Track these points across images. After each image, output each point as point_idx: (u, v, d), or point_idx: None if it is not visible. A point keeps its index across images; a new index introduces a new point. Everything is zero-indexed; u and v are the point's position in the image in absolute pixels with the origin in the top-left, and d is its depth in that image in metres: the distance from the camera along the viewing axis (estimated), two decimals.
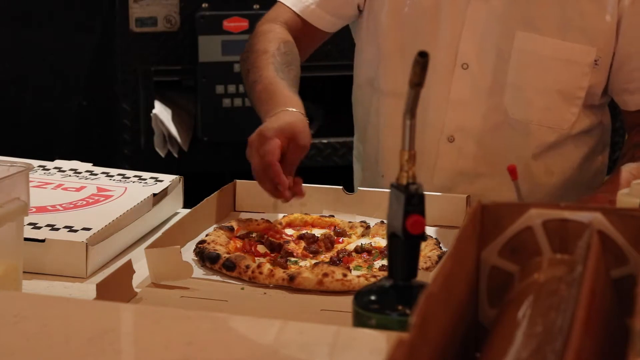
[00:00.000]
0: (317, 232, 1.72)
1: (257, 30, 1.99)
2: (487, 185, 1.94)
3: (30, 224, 1.60)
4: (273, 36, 1.94)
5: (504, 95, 1.90)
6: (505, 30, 1.88)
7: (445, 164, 1.94)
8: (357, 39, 2.05)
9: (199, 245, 1.62)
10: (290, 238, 1.70)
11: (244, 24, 2.90)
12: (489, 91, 1.91)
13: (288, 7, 1.99)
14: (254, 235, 1.68)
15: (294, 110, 1.74)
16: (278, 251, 1.63)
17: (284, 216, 1.77)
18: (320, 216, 1.77)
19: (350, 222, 1.75)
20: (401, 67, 1.93)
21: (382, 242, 1.65)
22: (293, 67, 1.90)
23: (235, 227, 1.69)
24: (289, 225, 1.75)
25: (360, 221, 1.75)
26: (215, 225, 1.72)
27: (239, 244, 1.65)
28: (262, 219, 1.74)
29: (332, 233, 1.71)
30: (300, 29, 1.97)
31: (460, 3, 1.89)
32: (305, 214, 1.77)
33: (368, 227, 1.73)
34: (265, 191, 1.68)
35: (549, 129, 1.92)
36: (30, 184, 1.46)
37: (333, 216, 1.77)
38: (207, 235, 1.65)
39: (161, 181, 1.83)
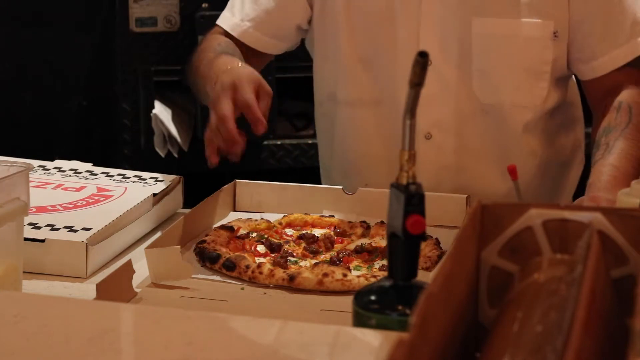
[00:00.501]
0: (317, 232, 1.72)
1: (197, 48, 2.00)
2: (473, 177, 1.95)
3: (30, 224, 1.60)
4: (212, 37, 1.97)
5: (472, 83, 1.91)
6: (461, 19, 1.89)
7: (427, 161, 1.93)
8: (313, 56, 2.05)
9: (199, 245, 1.62)
10: (290, 238, 1.70)
11: None
12: (457, 82, 1.91)
13: (226, 30, 1.99)
14: (254, 235, 1.69)
15: (241, 64, 1.75)
16: (278, 251, 1.63)
17: (284, 216, 1.77)
18: (320, 216, 1.77)
19: (350, 222, 1.75)
20: (365, 75, 1.94)
21: (382, 242, 1.65)
22: (236, 54, 1.89)
23: (235, 227, 1.69)
24: (289, 225, 1.75)
25: (360, 221, 1.75)
26: (215, 225, 1.72)
27: (239, 244, 1.65)
28: (262, 218, 1.74)
29: (332, 233, 1.71)
30: (244, 51, 1.96)
31: (412, 2, 1.90)
32: (305, 214, 1.77)
33: (368, 227, 1.73)
34: (213, 145, 1.68)
35: (523, 108, 1.93)
36: (30, 184, 1.46)
37: (333, 216, 1.77)
38: (207, 235, 1.65)
39: (161, 181, 1.83)
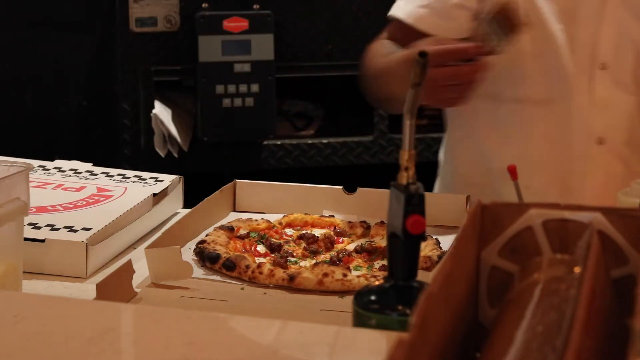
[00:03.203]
0: (317, 232, 1.72)
1: (366, 51, 1.98)
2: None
3: (30, 224, 1.60)
4: (378, 44, 1.95)
5: None
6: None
7: (597, 168, 1.92)
8: None
9: (199, 245, 1.62)
10: (290, 238, 1.70)
11: (244, 24, 2.90)
12: (629, 87, 1.90)
13: (401, 19, 1.95)
14: (254, 235, 1.69)
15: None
16: (278, 251, 1.63)
17: (284, 216, 1.77)
18: (320, 216, 1.77)
19: (350, 222, 1.75)
20: (537, 73, 1.90)
21: (382, 242, 1.65)
22: None
23: (235, 227, 1.69)
24: (289, 225, 1.75)
25: (360, 221, 1.75)
26: (215, 225, 1.72)
27: (239, 244, 1.65)
28: (262, 219, 1.74)
29: (332, 233, 1.71)
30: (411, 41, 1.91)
31: (597, 1, 1.87)
32: (306, 214, 1.77)
33: (368, 227, 1.73)
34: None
35: None
36: (30, 184, 1.46)
37: (333, 216, 1.77)
38: (207, 235, 1.65)
39: (161, 181, 1.83)
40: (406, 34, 1.92)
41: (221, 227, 1.68)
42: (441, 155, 2.13)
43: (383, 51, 1.91)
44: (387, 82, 1.84)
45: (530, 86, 1.91)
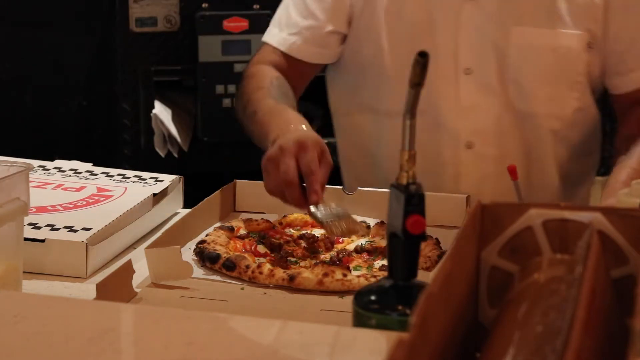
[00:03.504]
0: (317, 232, 1.72)
1: (246, 74, 1.99)
2: (511, 186, 1.94)
3: (30, 224, 1.60)
4: (263, 74, 1.95)
5: (509, 92, 1.91)
6: (500, 28, 1.90)
7: (469, 170, 1.95)
8: (336, 68, 2.04)
9: (199, 245, 1.62)
10: (290, 238, 1.69)
11: (244, 24, 2.90)
12: (495, 91, 1.92)
13: (274, 47, 2.00)
14: (254, 235, 1.68)
15: (305, 127, 1.73)
16: (278, 251, 1.63)
17: (284, 216, 1.77)
18: None
19: None
20: (405, 84, 1.92)
21: (382, 242, 1.65)
22: (290, 98, 1.90)
23: (235, 227, 1.69)
24: (289, 225, 1.75)
25: (360, 221, 1.75)
26: (215, 225, 1.71)
27: (239, 244, 1.65)
28: (262, 219, 1.74)
29: None
30: (288, 67, 1.97)
31: (452, 10, 1.90)
32: (305, 214, 1.77)
33: (368, 227, 1.73)
34: (283, 200, 1.65)
35: (555, 118, 1.94)
36: (30, 184, 1.46)
37: None
38: (207, 235, 1.65)
39: (161, 181, 1.83)
40: (284, 59, 1.98)
41: (221, 227, 1.68)
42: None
43: (264, 86, 1.90)
44: (253, 130, 1.86)
45: (399, 99, 1.93)
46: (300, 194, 1.62)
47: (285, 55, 1.99)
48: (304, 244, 1.66)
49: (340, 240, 1.69)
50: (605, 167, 2.10)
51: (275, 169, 1.64)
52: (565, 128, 1.96)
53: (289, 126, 1.73)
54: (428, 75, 1.90)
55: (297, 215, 1.77)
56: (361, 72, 2.00)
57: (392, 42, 1.94)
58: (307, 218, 1.76)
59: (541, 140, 1.96)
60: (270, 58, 2.00)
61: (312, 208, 1.61)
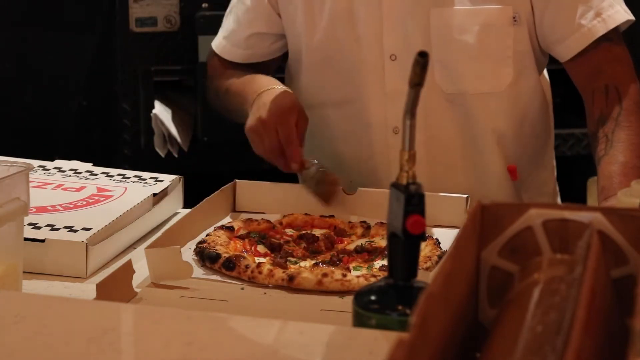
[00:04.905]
0: (317, 232, 1.72)
1: (208, 67, 2.13)
2: (444, 169, 1.95)
3: (30, 224, 1.60)
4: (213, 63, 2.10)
5: (435, 74, 1.90)
6: (420, 12, 1.90)
7: (398, 155, 1.94)
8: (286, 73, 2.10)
9: (199, 245, 1.62)
10: (290, 238, 1.70)
11: None
12: None
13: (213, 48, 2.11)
14: (254, 235, 1.68)
15: (281, 86, 1.87)
16: (278, 251, 1.63)
17: (284, 216, 1.77)
18: (321, 216, 1.77)
19: (350, 222, 1.75)
20: (330, 77, 1.97)
21: (382, 242, 1.65)
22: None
23: (236, 227, 1.69)
24: (289, 225, 1.75)
25: (360, 221, 1.75)
26: (215, 225, 1.71)
27: (239, 244, 1.65)
28: (262, 219, 1.74)
29: (332, 233, 1.71)
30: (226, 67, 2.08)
31: (373, 0, 1.91)
32: (306, 214, 1.77)
33: (368, 227, 1.73)
34: (276, 166, 1.81)
35: (487, 95, 1.93)
36: (30, 184, 1.46)
37: (333, 216, 1.77)
38: (207, 236, 1.65)
39: (161, 181, 1.83)
40: (221, 60, 2.09)
41: (221, 227, 1.68)
42: None
43: (236, 73, 2.03)
44: (229, 104, 2.00)
45: (328, 90, 1.98)
46: (286, 162, 1.80)
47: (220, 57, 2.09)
48: (304, 244, 1.66)
49: (341, 240, 1.69)
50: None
51: (259, 141, 1.81)
52: (501, 105, 1.94)
53: (263, 88, 1.87)
54: (353, 64, 1.94)
55: (297, 215, 1.77)
56: (292, 64, 2.04)
57: (312, 33, 1.95)
58: (307, 218, 1.76)
59: (475, 120, 1.94)
60: (213, 61, 2.12)
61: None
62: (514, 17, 1.90)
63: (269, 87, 1.87)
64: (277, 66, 2.13)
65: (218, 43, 2.09)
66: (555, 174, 2.12)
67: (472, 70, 1.92)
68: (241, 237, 1.67)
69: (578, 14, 1.89)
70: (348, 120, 1.97)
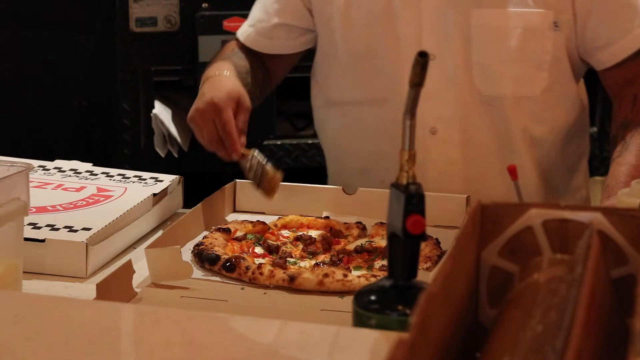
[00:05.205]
0: (313, 233, 1.72)
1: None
2: (479, 171, 1.95)
3: (30, 224, 1.60)
4: (226, 47, 2.07)
5: (473, 76, 1.91)
6: (461, 12, 1.90)
7: (434, 156, 1.94)
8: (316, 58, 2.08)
9: (197, 248, 1.61)
10: (287, 239, 1.69)
11: None
12: (459, 76, 1.92)
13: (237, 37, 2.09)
14: (250, 237, 1.68)
15: (227, 73, 1.87)
16: (276, 252, 1.63)
17: (279, 218, 1.76)
18: (316, 217, 1.77)
19: (346, 223, 1.75)
20: (367, 74, 1.96)
21: (382, 242, 1.65)
22: (244, 62, 1.98)
23: (232, 229, 1.69)
24: (285, 227, 1.75)
25: (356, 222, 1.75)
26: (213, 228, 1.71)
27: (236, 246, 1.65)
28: (257, 220, 1.74)
29: (328, 234, 1.71)
30: (263, 56, 2.06)
31: None
32: (301, 215, 1.77)
33: (364, 228, 1.73)
34: (217, 156, 1.80)
35: (524, 99, 1.93)
36: (30, 184, 1.46)
37: (328, 217, 1.77)
38: (204, 238, 1.65)
39: (161, 181, 1.83)
40: (245, 49, 2.06)
41: (218, 230, 1.68)
42: None
43: (224, 55, 2.03)
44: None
45: (364, 88, 1.97)
46: (227, 152, 1.79)
47: (245, 46, 2.06)
48: (301, 246, 1.66)
49: (337, 241, 1.69)
50: (606, 168, 2.09)
51: (198, 132, 1.79)
52: (537, 110, 1.94)
53: (210, 74, 1.87)
54: (390, 63, 1.93)
55: (292, 217, 1.77)
56: (323, 60, 2.03)
57: (349, 31, 1.95)
58: (303, 220, 1.76)
59: (511, 123, 1.94)
60: (229, 44, 2.09)
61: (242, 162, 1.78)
62: (554, 23, 1.89)
63: (215, 74, 1.86)
64: (295, 63, 2.12)
65: (243, 31, 2.07)
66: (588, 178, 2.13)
67: (510, 73, 1.91)
68: (238, 239, 1.67)
69: (624, 21, 1.90)
70: (383, 119, 1.96)
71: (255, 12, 2.06)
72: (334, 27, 1.97)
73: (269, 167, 1.76)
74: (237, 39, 2.08)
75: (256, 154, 1.77)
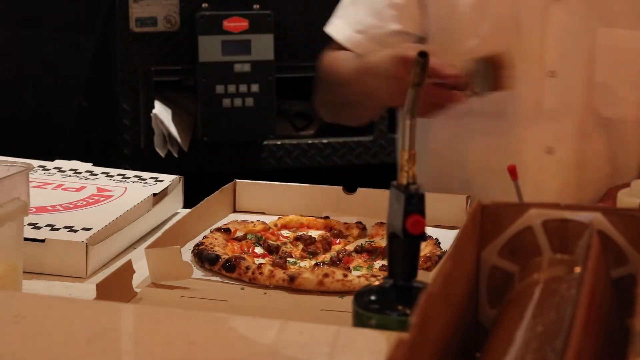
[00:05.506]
0: (313, 233, 1.72)
1: (321, 64, 1.96)
2: (594, 194, 1.89)
3: (30, 224, 1.60)
4: (339, 53, 1.93)
5: (595, 96, 1.86)
6: (587, 29, 1.85)
7: (549, 177, 1.90)
8: None
9: (197, 247, 1.61)
10: (286, 239, 1.69)
11: (244, 24, 2.90)
12: (579, 95, 1.87)
13: (339, 42, 1.95)
14: (250, 237, 1.68)
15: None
16: (276, 252, 1.63)
17: (279, 218, 1.76)
18: (316, 217, 1.77)
19: (345, 223, 1.75)
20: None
21: (382, 242, 1.65)
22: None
23: (232, 230, 1.69)
24: (285, 227, 1.75)
25: (355, 222, 1.75)
26: (212, 227, 1.71)
27: (236, 246, 1.65)
28: (257, 220, 1.74)
29: (328, 234, 1.71)
30: None
31: (538, 10, 1.85)
32: (301, 215, 1.77)
33: (364, 228, 1.73)
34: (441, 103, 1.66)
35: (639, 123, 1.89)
36: (30, 184, 1.46)
37: (328, 217, 1.77)
38: (204, 238, 1.65)
39: (161, 181, 1.83)
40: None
41: (218, 230, 1.68)
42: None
43: (348, 57, 1.90)
44: (364, 83, 1.80)
45: (480, 99, 1.91)
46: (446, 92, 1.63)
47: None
48: (301, 246, 1.66)
49: (337, 241, 1.69)
50: None
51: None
52: None
53: (368, 59, 1.75)
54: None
55: (292, 217, 1.76)
56: None
57: (465, 38, 1.87)
58: (303, 220, 1.76)
59: (628, 147, 1.89)
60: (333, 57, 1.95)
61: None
62: None
63: (372, 56, 1.75)
64: None
65: (349, 36, 1.94)
66: None
67: (634, 96, 1.87)
68: (238, 239, 1.67)
69: None
70: (497, 133, 1.90)
71: (361, 16, 1.93)
72: (452, 31, 1.88)
73: (489, 58, 1.66)
74: (333, 46, 1.95)
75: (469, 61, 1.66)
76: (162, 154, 2.92)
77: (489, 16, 1.87)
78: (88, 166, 1.91)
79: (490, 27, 1.87)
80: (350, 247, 1.66)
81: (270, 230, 1.72)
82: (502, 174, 1.77)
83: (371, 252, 1.63)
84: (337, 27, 1.97)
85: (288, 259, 1.60)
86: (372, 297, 1.15)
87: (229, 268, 1.54)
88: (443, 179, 1.98)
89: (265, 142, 3.01)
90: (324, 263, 1.57)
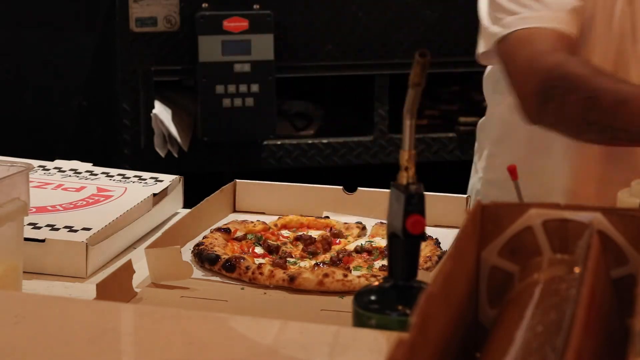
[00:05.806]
0: (313, 233, 1.71)
1: (551, 69, 1.72)
2: None
3: (30, 224, 1.60)
4: (573, 59, 1.76)
5: None
6: None
7: None
8: None
9: (197, 247, 1.61)
10: (286, 239, 1.69)
11: (244, 24, 2.90)
12: None
13: (545, 27, 1.77)
14: (250, 237, 1.68)
15: None
16: (276, 252, 1.63)
17: (279, 218, 1.76)
18: (316, 217, 1.77)
19: (345, 223, 1.75)
20: None
21: (382, 242, 1.65)
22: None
23: (232, 230, 1.69)
24: (285, 227, 1.75)
25: (355, 222, 1.75)
26: (212, 227, 1.71)
27: (236, 246, 1.65)
28: (257, 220, 1.74)
29: (328, 234, 1.71)
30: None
31: None
32: (301, 215, 1.77)
33: (364, 228, 1.73)
34: None
35: None
36: (30, 184, 1.46)
37: (328, 217, 1.77)
38: (204, 238, 1.65)
39: (161, 181, 1.83)
40: (564, 42, 1.76)
41: (218, 230, 1.68)
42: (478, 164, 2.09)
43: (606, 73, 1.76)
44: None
45: None
46: None
47: (559, 34, 1.76)
48: (301, 246, 1.66)
49: (337, 241, 1.69)
50: None
51: None
52: None
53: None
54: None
55: (292, 217, 1.76)
56: None
57: (598, 52, 1.82)
58: (303, 220, 1.76)
59: None
60: (556, 47, 1.75)
61: None
62: None
63: None
64: None
65: (555, 18, 1.75)
66: None
67: None
68: (238, 239, 1.67)
69: None
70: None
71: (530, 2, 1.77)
72: (585, 38, 1.81)
73: None
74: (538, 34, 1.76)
75: None
76: (162, 154, 2.92)
77: (612, 28, 1.82)
78: (88, 166, 1.91)
79: (614, 38, 1.82)
80: (350, 247, 1.66)
81: (270, 230, 1.72)
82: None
83: (371, 252, 1.63)
84: (543, 16, 1.78)
85: (288, 259, 1.60)
86: (372, 297, 1.15)
87: (229, 268, 1.54)
88: (542, 183, 1.91)
89: (265, 142, 3.01)
90: (324, 263, 1.57)
